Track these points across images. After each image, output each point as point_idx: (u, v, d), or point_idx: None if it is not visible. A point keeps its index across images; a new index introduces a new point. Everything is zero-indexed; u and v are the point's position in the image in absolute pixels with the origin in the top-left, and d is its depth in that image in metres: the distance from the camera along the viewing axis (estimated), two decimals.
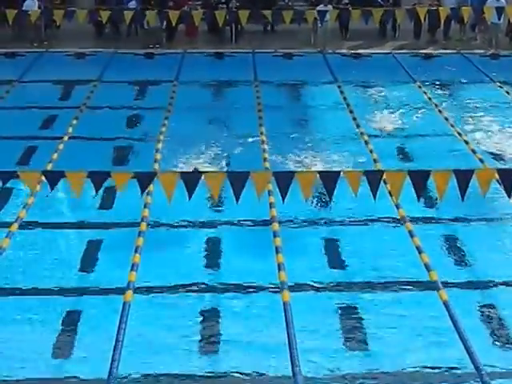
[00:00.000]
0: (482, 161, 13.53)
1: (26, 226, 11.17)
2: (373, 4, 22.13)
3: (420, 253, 10.23)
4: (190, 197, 9.46)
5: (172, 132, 15.08)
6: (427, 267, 9.88)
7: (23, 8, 21.24)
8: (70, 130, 15.18)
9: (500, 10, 20.91)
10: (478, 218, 11.69)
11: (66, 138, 14.67)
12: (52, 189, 9.36)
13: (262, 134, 14.97)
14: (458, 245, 11.05)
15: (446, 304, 9.09)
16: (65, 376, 8.25)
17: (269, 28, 23.23)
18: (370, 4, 21.98)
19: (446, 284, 9.62)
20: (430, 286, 9.59)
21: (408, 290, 9.83)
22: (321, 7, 21.53)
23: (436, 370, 8.33)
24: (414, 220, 11.34)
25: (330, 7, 21.63)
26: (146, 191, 9.91)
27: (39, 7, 21.49)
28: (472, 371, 7.98)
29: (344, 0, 22.77)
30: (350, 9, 21.21)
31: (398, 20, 21.40)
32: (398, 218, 11.37)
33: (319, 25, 21.52)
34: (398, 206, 11.34)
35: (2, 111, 16.61)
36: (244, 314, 9.31)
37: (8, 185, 10.21)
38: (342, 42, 22.63)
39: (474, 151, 14.12)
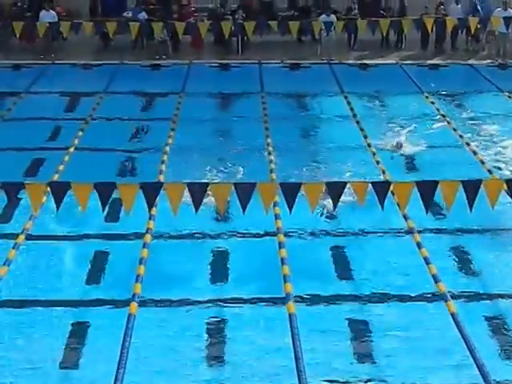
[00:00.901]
0: (490, 171, 13.45)
1: (32, 237, 11.15)
2: (377, 15, 22.18)
3: (428, 264, 10.16)
4: (196, 209, 9.40)
5: (178, 143, 15.06)
6: (435, 278, 9.80)
7: (39, 19, 21.32)
8: (76, 141, 15.17)
9: (508, 20, 20.88)
10: (486, 229, 11.60)
11: (71, 150, 14.66)
12: (58, 202, 9.31)
13: (268, 145, 14.92)
14: (466, 256, 10.96)
15: (453, 316, 9.02)
16: None
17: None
18: (375, 14, 22.05)
19: (453, 295, 9.54)
20: (438, 297, 9.51)
21: (416, 301, 9.73)
22: (324, 18, 21.53)
23: (444, 383, 8.24)
24: (422, 231, 11.26)
25: (333, 17, 21.63)
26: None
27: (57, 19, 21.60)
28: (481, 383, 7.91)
29: (354, 11, 22.76)
30: (359, 19, 21.20)
31: (404, 30, 21.41)
32: (406, 228, 11.30)
33: (324, 34, 21.51)
34: (405, 217, 11.27)
35: (8, 123, 16.63)
36: (250, 326, 9.22)
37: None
38: (349, 52, 22.60)
39: (482, 162, 14.04)
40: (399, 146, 14.84)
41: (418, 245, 10.76)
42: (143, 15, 22.28)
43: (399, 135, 15.47)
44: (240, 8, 22.92)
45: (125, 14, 23.27)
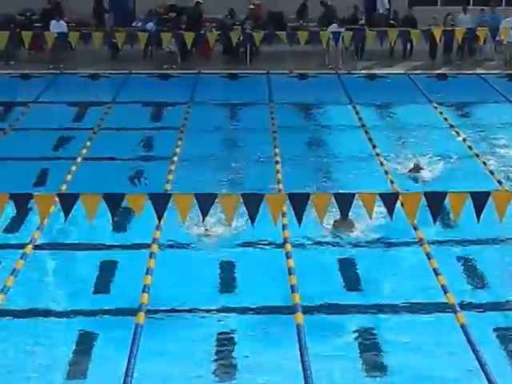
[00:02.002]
0: (500, 182, 13.39)
1: (40, 247, 11.15)
2: (387, 25, 22.21)
3: (437, 275, 10.11)
4: (203, 219, 9.36)
5: (186, 153, 15.06)
6: (444, 289, 9.76)
7: (50, 29, 21.44)
8: (84, 151, 15.18)
9: None
10: (495, 240, 11.53)
11: (79, 160, 14.67)
12: (66, 213, 9.30)
13: (276, 155, 14.91)
14: (475, 267, 10.90)
15: (463, 327, 8.97)
16: None
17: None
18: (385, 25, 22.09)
19: (463, 306, 9.49)
20: (447, 308, 9.47)
21: (425, 312, 9.67)
22: (334, 28, 21.54)
23: None
24: (431, 242, 11.21)
25: (342, 28, 21.67)
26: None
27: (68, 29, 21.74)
28: None
29: (360, 21, 22.80)
30: (367, 29, 21.21)
31: (413, 41, 21.44)
32: (415, 239, 11.25)
33: (332, 43, 21.54)
34: (415, 228, 11.23)
35: (16, 132, 16.65)
36: (258, 336, 9.17)
37: None
38: (357, 62, 22.60)
39: (491, 172, 13.98)
40: (417, 167, 14.24)
41: (428, 255, 10.72)
42: (151, 25, 22.34)
43: (414, 155, 15.12)
44: (249, 18, 22.95)
45: (134, 24, 23.40)
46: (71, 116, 17.93)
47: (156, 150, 15.70)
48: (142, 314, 9.23)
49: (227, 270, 10.68)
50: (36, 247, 11.11)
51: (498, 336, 9.18)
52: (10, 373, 8.48)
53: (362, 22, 22.86)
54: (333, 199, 9.50)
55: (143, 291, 9.68)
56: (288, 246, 10.90)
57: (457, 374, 8.44)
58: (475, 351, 8.45)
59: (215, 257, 11.03)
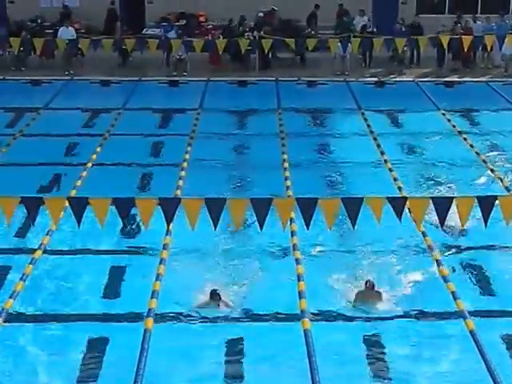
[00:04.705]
0: (508, 189, 13.40)
1: (49, 252, 11.21)
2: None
3: (446, 282, 10.13)
4: (215, 226, 9.34)
5: (195, 159, 15.11)
6: (454, 296, 9.78)
7: (58, 36, 21.57)
8: (94, 157, 15.26)
9: None
10: (504, 246, 11.54)
11: (89, 165, 14.74)
12: (78, 217, 9.35)
13: (284, 161, 14.95)
14: (484, 273, 10.90)
15: (472, 333, 8.99)
16: None
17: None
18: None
19: (472, 313, 9.51)
20: (457, 315, 9.49)
21: (433, 319, 9.69)
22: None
23: None
24: (440, 248, 11.24)
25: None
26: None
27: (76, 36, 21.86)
28: None
29: (368, 28, 22.86)
30: (374, 37, 21.26)
31: (420, 48, 21.46)
32: (423, 246, 11.28)
33: (341, 52, 21.60)
34: (424, 234, 11.25)
35: (27, 138, 16.73)
36: (266, 341, 9.21)
37: None
38: (365, 69, 22.63)
39: (500, 179, 13.99)
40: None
41: (437, 262, 10.75)
42: (173, 33, 22.40)
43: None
44: (259, 24, 23.01)
45: (144, 31, 23.49)
46: (81, 122, 17.99)
47: (166, 156, 15.75)
48: (150, 319, 9.28)
49: (234, 275, 10.72)
50: (45, 251, 11.18)
51: (508, 343, 9.17)
52: (19, 377, 8.54)
53: (370, 29, 22.91)
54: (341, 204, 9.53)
55: (152, 297, 9.74)
56: (297, 253, 10.93)
57: (466, 381, 8.46)
58: (484, 358, 8.46)
59: (222, 262, 11.09)
